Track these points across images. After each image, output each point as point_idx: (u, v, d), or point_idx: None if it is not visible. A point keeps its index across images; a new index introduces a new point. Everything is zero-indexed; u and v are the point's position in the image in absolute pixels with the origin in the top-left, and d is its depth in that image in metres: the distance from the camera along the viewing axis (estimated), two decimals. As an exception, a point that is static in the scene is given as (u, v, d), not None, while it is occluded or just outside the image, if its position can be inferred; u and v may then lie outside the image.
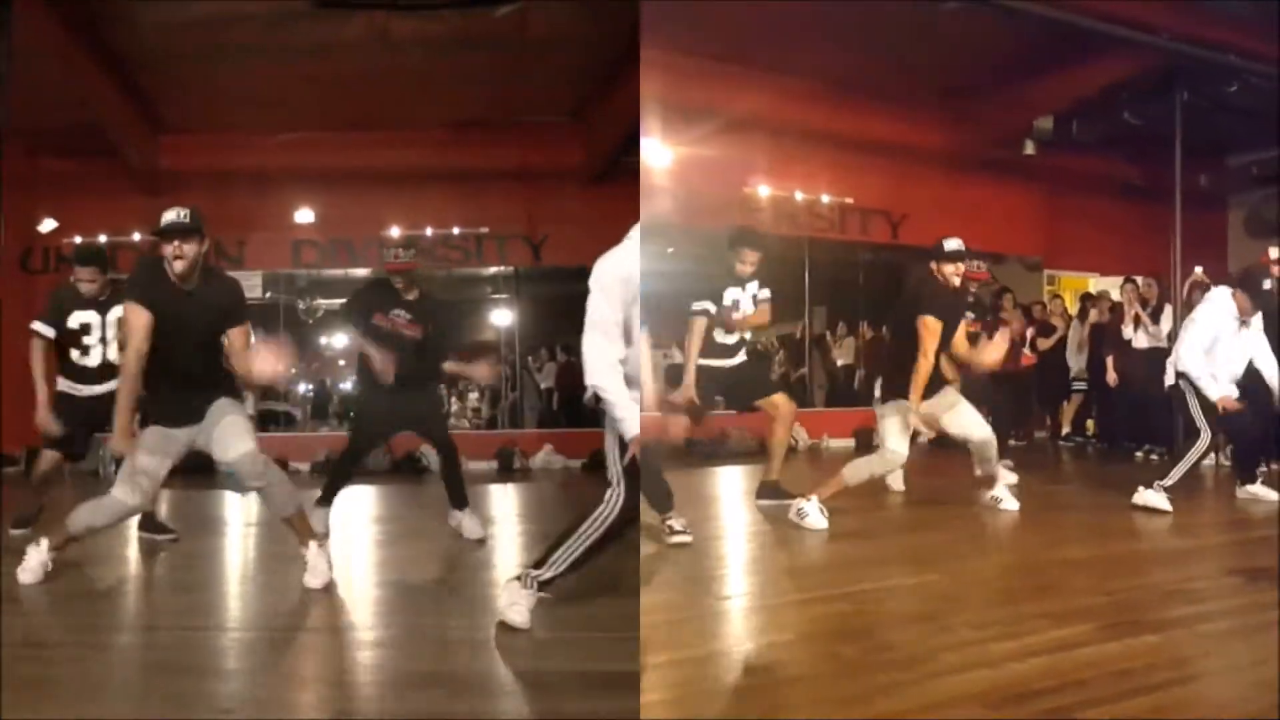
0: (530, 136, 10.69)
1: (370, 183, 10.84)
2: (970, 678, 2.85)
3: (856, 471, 5.45)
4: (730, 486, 7.77)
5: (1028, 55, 9.45)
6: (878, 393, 5.77)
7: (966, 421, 5.68)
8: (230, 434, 4.15)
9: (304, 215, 11.20)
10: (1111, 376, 9.66)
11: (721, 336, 5.90)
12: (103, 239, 10.30)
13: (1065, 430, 11.17)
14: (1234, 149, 12.48)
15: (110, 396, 5.16)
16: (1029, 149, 11.19)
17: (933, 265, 5.48)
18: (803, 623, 3.58)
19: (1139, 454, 9.34)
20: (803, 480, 5.92)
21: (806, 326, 12.07)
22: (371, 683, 3.12)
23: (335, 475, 5.72)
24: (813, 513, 5.30)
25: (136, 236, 10.44)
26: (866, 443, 11.43)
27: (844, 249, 12.04)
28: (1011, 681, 2.82)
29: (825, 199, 11.42)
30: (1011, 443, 11.11)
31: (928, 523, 5.71)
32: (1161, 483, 5.82)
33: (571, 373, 12.03)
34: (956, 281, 5.48)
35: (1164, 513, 5.69)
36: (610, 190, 10.13)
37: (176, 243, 3.95)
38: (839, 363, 12.88)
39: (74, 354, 5.34)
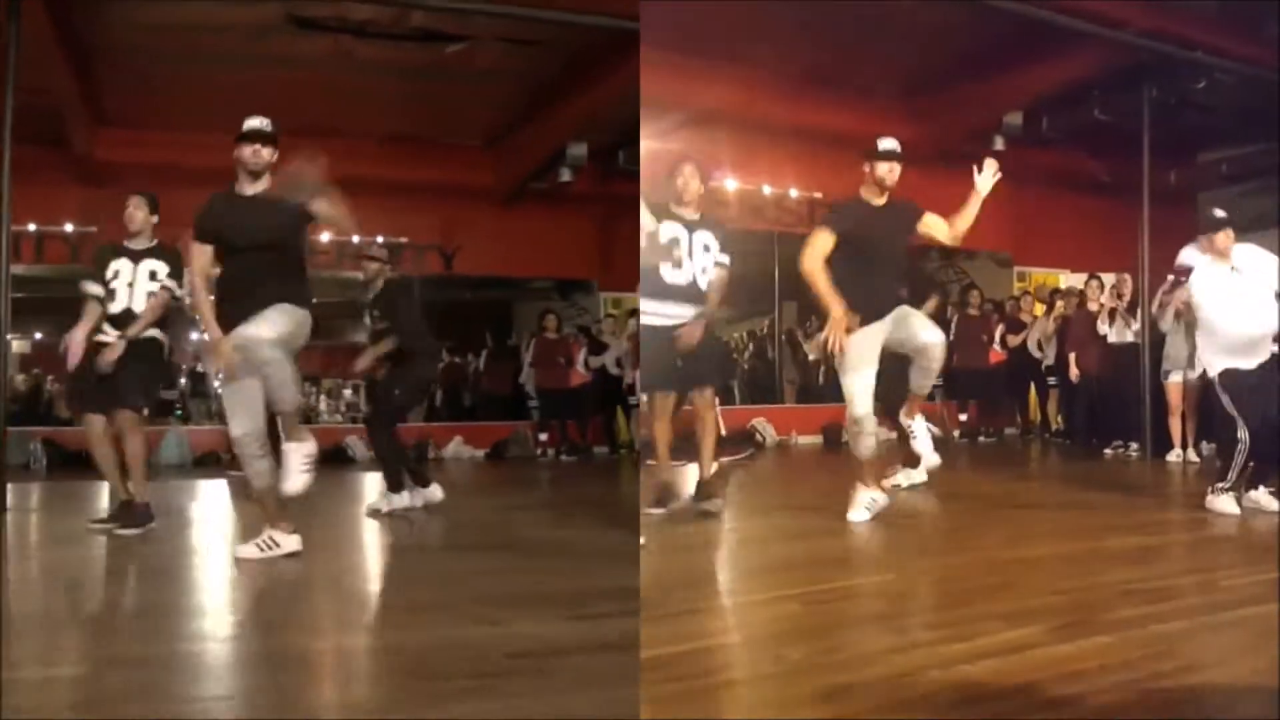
0: (450, 157, 11.45)
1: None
2: (920, 680, 2.77)
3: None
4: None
5: (997, 50, 9.41)
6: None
7: (915, 325, 5.05)
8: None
9: None
10: (1074, 372, 9.66)
11: (672, 275, 5.08)
12: (32, 227, 10.33)
13: (1055, 427, 11.15)
14: (1204, 146, 12.49)
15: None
16: (998, 144, 11.14)
17: (865, 168, 5.03)
18: (751, 625, 3.48)
19: (1108, 451, 9.30)
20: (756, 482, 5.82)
21: (776, 322, 11.99)
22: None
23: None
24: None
25: (69, 227, 10.46)
26: (835, 439, 11.38)
27: (814, 244, 11.96)
28: (961, 684, 2.73)
29: (793, 193, 11.33)
30: (981, 439, 11.12)
31: (882, 521, 5.38)
32: (1221, 485, 5.45)
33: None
34: (880, 201, 5.02)
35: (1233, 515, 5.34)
36: (517, 211, 11.83)
37: (257, 146, 4.52)
38: (810, 358, 12.82)
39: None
